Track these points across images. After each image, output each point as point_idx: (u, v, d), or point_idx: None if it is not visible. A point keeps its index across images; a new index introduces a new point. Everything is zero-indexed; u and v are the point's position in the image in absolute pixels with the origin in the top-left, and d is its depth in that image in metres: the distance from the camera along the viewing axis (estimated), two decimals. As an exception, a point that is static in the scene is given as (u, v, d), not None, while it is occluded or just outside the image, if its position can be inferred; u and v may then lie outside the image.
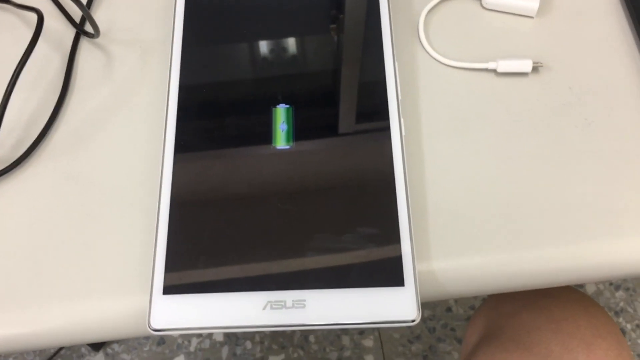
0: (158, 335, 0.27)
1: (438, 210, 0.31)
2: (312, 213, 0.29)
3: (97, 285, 0.30)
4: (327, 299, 0.28)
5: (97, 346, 0.97)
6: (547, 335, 0.42)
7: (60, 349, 0.96)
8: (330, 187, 0.30)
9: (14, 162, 0.32)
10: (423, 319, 0.98)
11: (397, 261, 0.28)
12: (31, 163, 0.33)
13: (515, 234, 0.30)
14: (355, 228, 0.29)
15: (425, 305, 0.98)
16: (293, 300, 0.28)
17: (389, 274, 0.28)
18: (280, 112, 0.32)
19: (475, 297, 1.00)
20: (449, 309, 0.99)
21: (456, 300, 1.00)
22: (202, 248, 0.29)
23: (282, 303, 0.28)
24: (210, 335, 0.98)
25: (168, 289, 0.28)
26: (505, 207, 0.31)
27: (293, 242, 0.29)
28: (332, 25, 0.34)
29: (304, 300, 0.28)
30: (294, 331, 0.97)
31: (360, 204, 0.30)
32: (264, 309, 0.28)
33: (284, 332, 0.97)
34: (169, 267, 0.28)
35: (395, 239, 0.29)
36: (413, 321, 0.27)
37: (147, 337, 0.98)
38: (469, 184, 0.31)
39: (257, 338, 0.97)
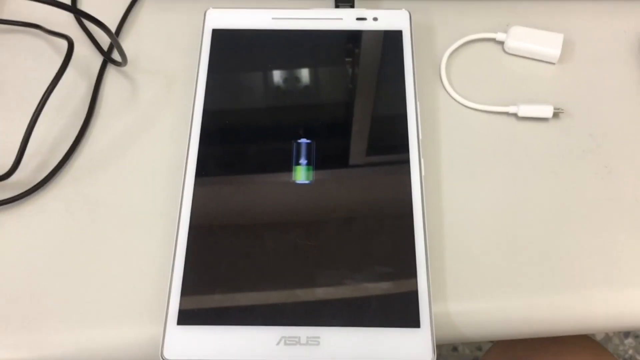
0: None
1: (455, 251, 0.31)
2: (330, 248, 0.29)
3: (110, 312, 0.29)
4: (342, 337, 0.27)
5: None
6: (558, 383, 0.41)
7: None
8: (349, 223, 0.30)
9: (35, 185, 0.32)
10: (428, 358, 0.97)
11: (414, 302, 0.28)
12: (52, 187, 0.33)
13: (533, 279, 0.30)
14: (372, 266, 0.29)
15: (431, 344, 0.96)
16: (307, 337, 0.27)
17: (405, 314, 0.28)
18: (301, 147, 0.32)
19: (482, 338, 0.98)
20: (455, 349, 0.98)
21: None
22: (218, 280, 0.29)
23: (297, 339, 0.27)
24: None
25: (182, 319, 0.28)
26: (522, 252, 0.31)
27: (309, 277, 0.29)
28: (355, 63, 0.34)
29: (319, 338, 0.27)
30: None
31: (378, 242, 0.29)
32: (277, 344, 0.27)
33: None
34: (185, 297, 0.28)
35: (413, 279, 0.28)
36: (428, 363, 0.27)
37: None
38: (486, 227, 0.31)
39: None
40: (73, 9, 0.32)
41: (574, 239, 0.31)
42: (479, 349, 0.98)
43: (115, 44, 0.34)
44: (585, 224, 0.31)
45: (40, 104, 0.32)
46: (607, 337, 0.99)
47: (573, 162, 0.33)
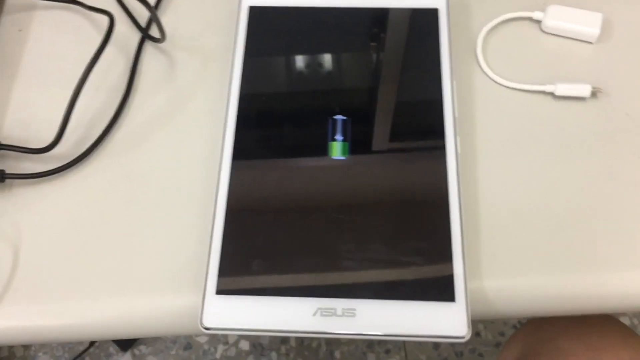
0: (209, 334, 0.27)
1: (490, 229, 0.31)
2: (365, 224, 0.30)
3: (151, 281, 0.30)
4: (377, 310, 0.28)
5: (125, 346, 0.98)
6: (586, 364, 0.41)
7: (89, 347, 0.98)
8: (384, 199, 0.30)
9: (76, 158, 0.33)
10: (451, 343, 0.97)
11: (449, 277, 0.28)
12: (92, 160, 0.34)
13: (566, 256, 0.30)
14: (408, 241, 0.29)
15: (454, 328, 0.96)
16: (343, 309, 0.28)
17: (440, 288, 0.28)
18: (337, 123, 0.32)
19: (505, 324, 0.98)
20: (477, 334, 0.98)
21: (485, 326, 0.99)
22: (255, 251, 0.29)
23: (333, 311, 0.28)
24: (236, 343, 0.99)
25: (221, 289, 0.28)
26: (557, 231, 0.31)
27: (345, 251, 0.29)
28: (392, 40, 0.35)
29: (354, 310, 0.28)
30: (319, 347, 0.97)
31: (414, 218, 0.30)
32: (314, 315, 0.28)
33: (309, 346, 0.97)
34: (223, 268, 0.29)
35: (448, 254, 0.29)
36: (463, 337, 0.27)
37: (174, 341, 0.99)
38: (521, 204, 0.31)
39: (283, 350, 0.97)
40: (114, -16, 0.32)
41: (610, 218, 0.31)
42: (502, 334, 0.98)
43: (155, 20, 0.34)
44: (622, 204, 0.31)
45: (82, 79, 0.33)
46: (633, 325, 0.98)
47: (610, 142, 0.33)
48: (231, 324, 0.28)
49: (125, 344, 0.98)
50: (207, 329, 0.28)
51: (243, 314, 0.28)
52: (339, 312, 0.28)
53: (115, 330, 0.30)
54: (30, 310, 0.30)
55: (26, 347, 0.99)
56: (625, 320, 0.98)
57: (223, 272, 0.29)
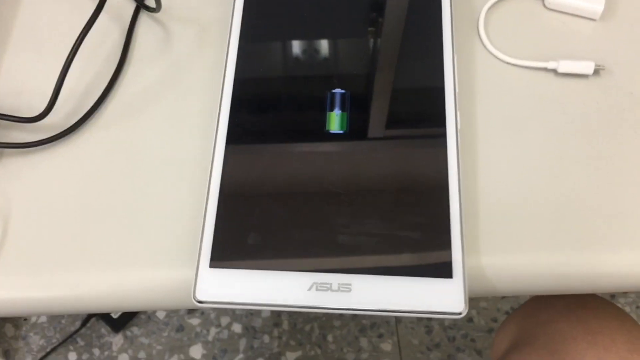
0: (202, 308, 0.27)
1: (489, 206, 0.30)
2: (363, 199, 0.29)
3: (143, 254, 0.30)
4: (373, 285, 0.27)
5: (117, 327, 0.97)
6: (582, 346, 0.41)
7: (80, 327, 0.97)
8: (382, 174, 0.30)
9: (68, 128, 0.33)
10: (443, 328, 0.98)
11: (447, 253, 0.28)
12: (85, 131, 0.33)
13: (566, 235, 0.30)
14: (406, 217, 0.29)
15: (447, 314, 0.97)
16: (339, 284, 0.27)
17: (437, 265, 0.28)
18: (336, 96, 0.32)
19: (497, 310, 0.99)
20: (470, 320, 0.98)
21: (478, 311, 0.99)
22: (250, 225, 0.29)
23: (328, 285, 0.27)
24: (228, 326, 0.98)
25: (215, 263, 0.28)
26: (557, 208, 0.30)
27: (342, 226, 0.29)
28: (393, 14, 0.34)
29: (350, 284, 0.27)
30: (312, 330, 0.97)
31: (412, 193, 0.29)
32: (309, 289, 0.27)
33: (302, 329, 0.97)
34: (217, 240, 0.28)
35: (446, 231, 0.28)
36: (460, 314, 0.27)
37: (166, 323, 0.99)
38: (521, 182, 0.31)
39: (276, 333, 0.97)
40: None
41: (610, 196, 0.30)
42: (495, 320, 0.98)
43: (150, -12, 0.33)
44: (622, 182, 0.31)
45: (74, 48, 0.32)
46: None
47: (612, 120, 0.32)
48: (225, 297, 0.27)
49: (117, 325, 0.97)
50: (200, 302, 0.27)
51: (237, 287, 0.28)
52: (335, 287, 0.27)
53: (107, 303, 0.30)
54: (20, 282, 0.29)
55: (17, 327, 0.99)
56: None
57: (217, 245, 0.28)
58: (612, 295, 0.99)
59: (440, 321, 0.98)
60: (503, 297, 1.00)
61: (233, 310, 0.98)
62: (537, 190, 0.31)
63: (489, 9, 0.35)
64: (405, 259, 0.28)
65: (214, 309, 0.99)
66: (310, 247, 0.28)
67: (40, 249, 0.30)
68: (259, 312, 0.99)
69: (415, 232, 0.28)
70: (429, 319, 0.98)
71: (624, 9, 0.35)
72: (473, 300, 0.99)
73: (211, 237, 0.28)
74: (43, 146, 0.32)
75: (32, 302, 0.29)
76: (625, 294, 0.99)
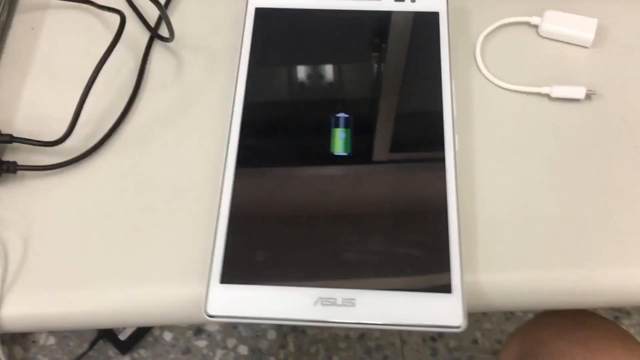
0: (213, 322, 0.28)
1: (487, 225, 0.32)
2: (366, 218, 0.31)
3: (156, 272, 0.31)
4: (376, 300, 0.29)
5: (124, 350, 0.98)
6: (582, 364, 0.42)
7: (88, 350, 0.98)
8: (384, 194, 0.31)
9: (85, 152, 0.34)
10: (449, 350, 0.98)
11: (446, 269, 0.29)
12: (101, 154, 0.35)
13: (561, 252, 0.31)
14: (406, 235, 0.30)
15: (452, 336, 0.97)
16: (343, 299, 0.29)
17: (437, 280, 0.29)
18: (340, 120, 0.33)
19: (502, 332, 0.99)
20: (475, 341, 0.98)
21: (483, 333, 0.99)
22: (258, 243, 0.30)
23: (333, 300, 0.29)
24: (235, 348, 0.99)
25: (225, 278, 0.29)
26: (552, 227, 0.32)
27: (346, 244, 0.30)
28: (393, 42, 0.36)
29: (354, 299, 0.29)
30: (318, 352, 0.98)
31: (413, 213, 0.31)
32: (315, 304, 0.29)
33: (308, 351, 0.98)
34: (227, 258, 0.30)
35: (445, 247, 0.30)
36: (458, 327, 0.28)
37: (173, 345, 0.99)
38: (517, 201, 0.32)
39: (282, 355, 0.98)
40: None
41: (603, 214, 0.32)
42: (499, 342, 0.98)
43: (165, 19, 0.35)
44: (615, 202, 0.32)
45: (93, 76, 0.34)
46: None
47: (604, 143, 0.34)
48: (234, 312, 0.29)
49: (125, 347, 0.98)
50: (211, 316, 0.29)
51: (246, 302, 0.29)
52: (339, 301, 0.29)
53: (122, 319, 0.31)
54: (39, 299, 0.31)
55: (26, 349, 1.00)
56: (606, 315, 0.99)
57: (227, 262, 0.30)
58: (616, 317, 0.99)
59: (445, 343, 0.99)
60: (507, 319, 1.00)
61: (239, 332, 0.99)
62: (533, 209, 0.32)
63: (486, 37, 0.37)
64: (407, 275, 0.29)
65: (221, 331, 1.00)
66: (316, 264, 0.30)
67: (58, 267, 0.31)
68: (265, 333, 0.99)
69: (416, 250, 0.30)
70: (434, 340, 0.98)
71: (613, 38, 0.37)
72: (477, 322, 0.99)
73: (222, 255, 0.30)
74: (62, 169, 0.34)
75: (51, 318, 0.31)
76: (629, 315, 0.99)
